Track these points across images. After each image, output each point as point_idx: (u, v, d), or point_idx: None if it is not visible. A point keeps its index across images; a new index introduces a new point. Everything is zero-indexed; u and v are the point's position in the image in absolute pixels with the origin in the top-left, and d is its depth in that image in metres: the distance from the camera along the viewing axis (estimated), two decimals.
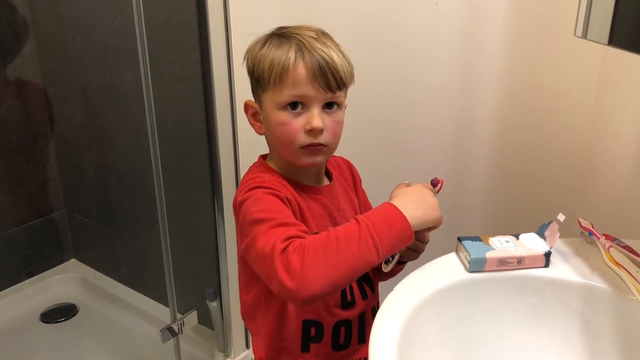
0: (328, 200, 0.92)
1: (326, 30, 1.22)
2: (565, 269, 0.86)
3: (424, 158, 1.20)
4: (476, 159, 1.16)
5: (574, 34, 0.84)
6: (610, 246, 0.87)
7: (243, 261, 0.88)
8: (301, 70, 0.81)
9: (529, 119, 1.08)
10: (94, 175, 1.95)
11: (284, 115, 0.83)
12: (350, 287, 0.91)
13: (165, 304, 1.67)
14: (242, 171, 1.49)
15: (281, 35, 0.85)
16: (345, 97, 0.86)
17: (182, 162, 1.61)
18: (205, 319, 1.68)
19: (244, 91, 1.41)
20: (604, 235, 0.89)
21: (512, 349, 0.84)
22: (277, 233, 0.75)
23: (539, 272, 0.85)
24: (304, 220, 0.86)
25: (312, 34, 0.84)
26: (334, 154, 0.91)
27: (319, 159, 0.86)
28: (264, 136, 0.91)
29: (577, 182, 1.04)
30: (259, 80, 0.84)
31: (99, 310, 1.97)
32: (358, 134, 1.26)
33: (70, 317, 1.96)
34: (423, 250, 0.92)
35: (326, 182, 0.95)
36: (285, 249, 0.73)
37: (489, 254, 0.84)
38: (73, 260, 2.15)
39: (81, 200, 2.05)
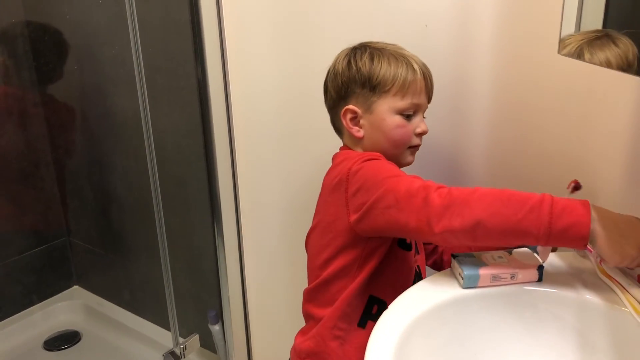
0: None
1: (317, 52, 1.26)
2: (559, 283, 0.86)
3: (416, 173, 1.21)
4: (469, 176, 1.17)
5: (558, 53, 0.86)
6: (602, 260, 0.87)
7: (332, 234, 0.95)
8: (422, 83, 0.96)
9: (519, 136, 1.10)
10: (95, 202, 1.97)
11: (401, 120, 0.96)
12: (416, 274, 1.00)
13: (168, 328, 1.67)
14: (241, 194, 1.51)
15: (384, 48, 0.98)
16: None
17: (181, 187, 1.63)
18: (207, 343, 1.69)
19: (241, 115, 1.44)
20: None
21: None
22: (422, 180, 0.85)
23: (533, 286, 0.86)
24: None
25: (405, 49, 0.99)
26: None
27: (414, 158, 1.01)
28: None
29: (569, 195, 1.05)
30: (377, 87, 0.95)
31: (102, 336, 1.98)
32: None
33: (74, 344, 1.96)
34: None
35: None
36: (443, 188, 0.81)
37: (483, 270, 0.85)
38: (76, 286, 2.16)
39: (83, 227, 2.07)
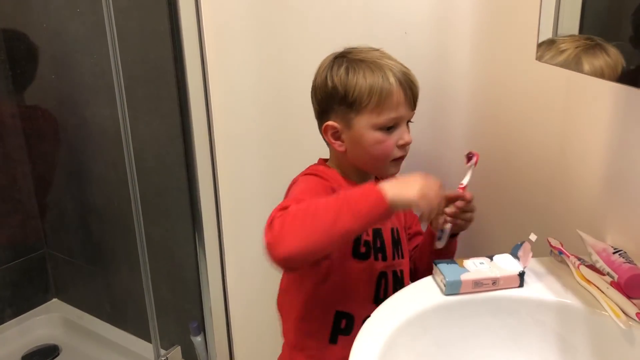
0: None
1: (297, 60, 1.26)
2: (539, 288, 0.87)
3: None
4: (448, 184, 1.18)
5: (536, 59, 0.87)
6: (580, 264, 0.88)
7: None
8: (400, 95, 0.93)
9: (498, 143, 1.11)
10: (74, 213, 1.95)
11: (380, 135, 0.94)
12: (386, 286, 0.98)
13: (149, 340, 1.65)
14: (223, 204, 1.50)
15: (362, 60, 0.94)
16: None
17: (161, 197, 1.61)
18: (189, 355, 1.67)
19: (221, 123, 1.43)
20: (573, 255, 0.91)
21: None
22: (280, 206, 0.85)
23: (514, 292, 0.86)
24: None
25: (387, 56, 0.96)
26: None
27: (400, 168, 0.99)
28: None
29: (547, 202, 1.06)
30: (354, 104, 0.93)
31: (81, 350, 1.94)
32: None
33: (53, 359, 1.92)
34: (471, 220, 0.99)
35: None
36: (276, 217, 0.82)
37: (464, 276, 0.85)
38: (55, 299, 2.12)
39: (62, 239, 2.04)
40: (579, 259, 0.90)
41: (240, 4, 1.31)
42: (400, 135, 0.95)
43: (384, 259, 1.01)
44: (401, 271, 1.03)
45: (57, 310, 2.08)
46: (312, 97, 1.02)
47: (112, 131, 1.60)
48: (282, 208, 0.83)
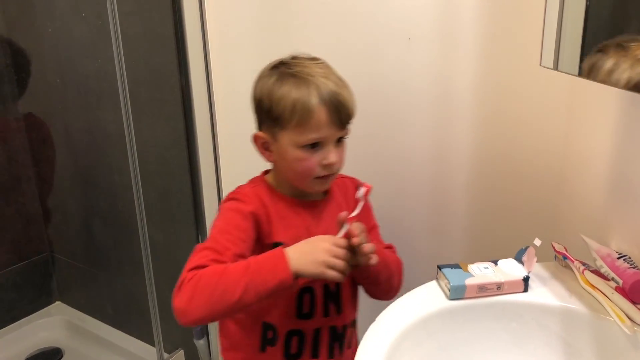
0: (310, 214, 0.98)
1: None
2: (544, 293, 0.87)
3: (401, 187, 1.22)
4: (453, 188, 1.18)
5: (540, 64, 0.87)
6: (585, 269, 0.88)
7: None
8: (322, 115, 0.88)
9: (503, 149, 1.11)
10: (77, 216, 1.95)
11: (303, 153, 0.90)
12: (311, 299, 0.96)
13: (152, 343, 1.65)
14: None
15: (294, 74, 0.90)
16: None
17: (165, 200, 1.61)
18: (192, 358, 1.67)
19: (225, 127, 1.44)
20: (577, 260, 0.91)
21: None
22: (195, 259, 0.86)
23: (518, 297, 0.86)
24: (274, 229, 0.94)
25: (323, 73, 0.91)
26: (345, 173, 1.01)
27: (328, 184, 0.96)
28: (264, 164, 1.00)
29: (551, 208, 1.07)
30: (278, 119, 0.90)
31: (84, 353, 1.94)
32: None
33: None
34: (369, 253, 0.89)
35: (322, 197, 1.00)
36: (185, 280, 0.83)
37: (469, 281, 0.86)
38: (58, 302, 2.12)
39: (65, 242, 2.04)
40: (584, 264, 0.90)
41: (244, 9, 1.31)
42: (325, 155, 0.91)
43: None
44: (336, 284, 0.99)
45: (60, 313, 2.08)
46: None
47: (116, 135, 1.61)
48: (193, 267, 0.84)
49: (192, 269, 0.84)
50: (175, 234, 1.64)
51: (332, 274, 0.83)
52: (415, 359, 0.80)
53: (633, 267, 0.86)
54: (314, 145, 0.90)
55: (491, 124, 1.11)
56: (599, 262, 0.89)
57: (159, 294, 1.60)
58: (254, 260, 0.84)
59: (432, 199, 1.20)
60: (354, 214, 0.87)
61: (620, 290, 0.83)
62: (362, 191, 0.88)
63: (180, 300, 0.83)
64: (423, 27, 1.11)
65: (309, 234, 0.90)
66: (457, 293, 0.85)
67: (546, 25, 0.85)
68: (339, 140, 0.93)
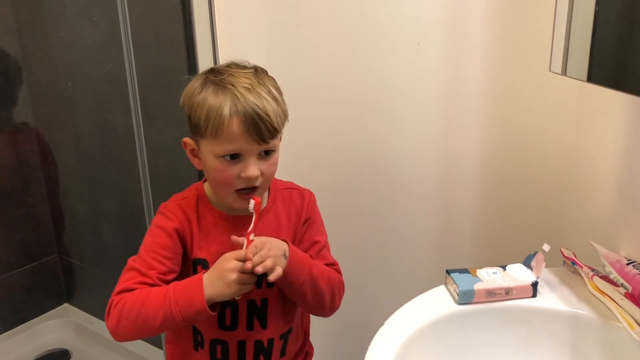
0: (241, 230, 0.91)
1: (310, 69, 1.27)
2: (553, 299, 0.87)
3: (409, 191, 1.22)
4: (462, 193, 1.18)
5: (549, 70, 0.87)
6: (594, 275, 0.88)
7: None
8: (235, 127, 0.84)
9: (510, 152, 1.11)
10: (86, 219, 1.96)
11: (221, 164, 0.87)
12: (233, 312, 0.96)
13: (160, 346, 1.66)
14: None
15: (217, 82, 0.86)
16: (281, 137, 0.91)
17: None
18: None
19: None
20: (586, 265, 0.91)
21: None
22: (123, 280, 0.90)
23: (527, 302, 0.87)
24: (196, 245, 0.94)
25: (247, 83, 0.86)
26: (299, 185, 1.02)
27: (247, 202, 0.88)
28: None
29: (559, 213, 1.07)
30: (197, 127, 0.87)
31: (92, 355, 1.95)
32: (344, 170, 1.28)
33: None
34: (267, 266, 0.86)
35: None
36: (113, 304, 0.88)
37: (477, 286, 0.86)
38: (66, 304, 2.13)
39: (74, 244, 2.05)
40: (593, 270, 0.90)
41: (254, 13, 1.32)
42: (243, 167, 0.87)
43: (257, 286, 0.94)
44: (262, 300, 0.96)
45: (68, 315, 2.10)
46: None
47: (125, 138, 1.62)
48: (121, 290, 0.88)
49: (119, 292, 0.88)
50: None
51: (247, 289, 0.86)
52: None
53: None
54: (234, 157, 0.86)
55: (499, 129, 1.12)
56: (608, 268, 0.89)
57: None
58: (172, 289, 0.86)
59: (440, 203, 1.20)
60: (249, 229, 0.87)
61: (629, 296, 0.83)
62: (251, 204, 0.87)
63: (110, 323, 0.88)
64: (432, 32, 1.12)
65: (223, 248, 0.90)
66: (465, 298, 0.86)
67: (556, 30, 0.86)
68: (265, 154, 0.88)
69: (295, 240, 0.99)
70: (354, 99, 1.23)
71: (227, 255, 0.86)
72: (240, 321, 0.96)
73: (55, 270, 2.10)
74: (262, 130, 0.85)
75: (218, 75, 0.88)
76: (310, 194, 1.02)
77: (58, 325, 2.07)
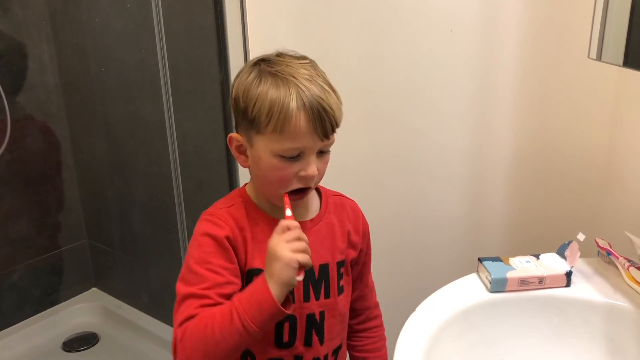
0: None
1: (341, 62, 1.26)
2: (587, 289, 0.86)
3: (442, 180, 1.21)
4: (494, 181, 1.17)
5: (588, 57, 0.86)
6: (630, 265, 0.87)
7: None
8: (303, 122, 0.78)
9: (547, 140, 1.10)
10: (115, 205, 1.99)
11: (279, 162, 0.80)
12: (292, 329, 0.88)
13: None
14: None
15: (275, 74, 0.80)
16: None
17: (202, 190, 1.64)
18: None
19: None
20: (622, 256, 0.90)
21: None
22: (180, 311, 0.78)
23: (561, 291, 0.86)
24: (250, 255, 0.84)
25: (307, 75, 0.80)
26: (346, 195, 0.95)
27: (300, 201, 0.85)
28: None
29: (596, 201, 1.05)
30: (254, 121, 0.80)
31: (120, 338, 1.98)
32: (377, 161, 1.28)
33: (92, 346, 1.97)
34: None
35: (310, 216, 0.90)
36: (178, 338, 0.77)
37: (510, 274, 0.85)
38: (94, 289, 2.17)
39: (103, 229, 2.09)
40: (629, 261, 0.89)
41: (284, 1, 1.32)
42: (303, 166, 0.80)
43: (316, 298, 0.88)
44: (321, 313, 0.89)
45: (96, 299, 2.13)
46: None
47: (156, 125, 1.63)
48: (183, 321, 0.77)
49: (180, 324, 0.77)
50: None
51: (305, 258, 0.75)
52: (456, 350, 0.80)
53: None
54: (292, 156, 0.80)
55: (534, 117, 1.10)
56: None
57: None
58: (237, 300, 0.76)
59: (472, 192, 1.19)
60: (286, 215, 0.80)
61: None
62: (288, 212, 0.80)
63: (180, 358, 0.78)
64: (465, 19, 1.11)
65: None
66: (498, 286, 0.85)
67: (595, 16, 0.84)
68: (321, 152, 0.82)
69: (350, 249, 0.92)
70: (385, 89, 1.22)
71: (271, 240, 0.78)
72: (299, 337, 0.88)
73: (85, 255, 2.14)
74: (327, 126, 0.79)
75: (274, 66, 0.81)
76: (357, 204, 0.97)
77: (87, 309, 2.10)
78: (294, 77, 0.79)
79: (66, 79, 1.94)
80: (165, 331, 1.90)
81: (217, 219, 0.84)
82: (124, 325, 2.00)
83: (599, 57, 0.84)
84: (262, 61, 0.83)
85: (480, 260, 0.90)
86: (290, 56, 0.84)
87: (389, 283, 1.25)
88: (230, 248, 0.82)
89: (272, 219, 0.85)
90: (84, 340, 1.99)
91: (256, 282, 0.77)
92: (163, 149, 1.56)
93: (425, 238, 1.27)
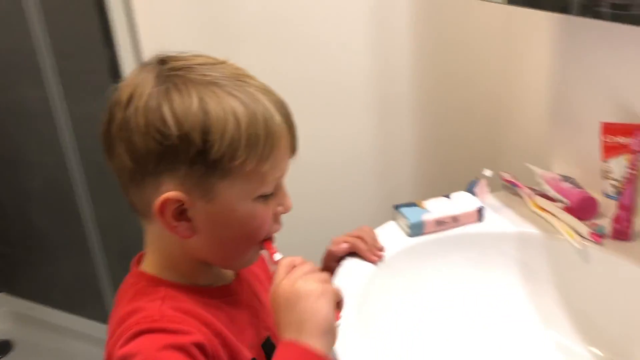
0: (247, 298, 0.69)
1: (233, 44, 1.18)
2: (498, 221, 0.91)
3: (346, 130, 1.21)
4: (400, 129, 1.19)
5: None
6: (534, 194, 0.92)
7: None
8: (286, 140, 0.60)
9: (442, 83, 1.13)
10: (11, 202, 1.85)
11: (260, 205, 0.60)
12: None
13: (106, 322, 1.62)
14: None
15: (215, 83, 0.57)
16: None
17: (107, 175, 1.55)
18: None
19: None
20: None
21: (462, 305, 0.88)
22: None
23: (475, 227, 0.90)
24: (234, 344, 0.62)
25: (251, 75, 0.60)
26: None
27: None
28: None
29: (497, 138, 1.10)
30: (220, 162, 0.56)
31: (37, 342, 1.88)
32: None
33: (6, 355, 1.86)
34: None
35: (230, 274, 0.70)
36: None
37: (426, 217, 0.88)
38: (1, 294, 2.04)
39: (1, 230, 1.94)
40: (532, 190, 0.94)
41: None
42: (280, 200, 0.63)
43: None
44: None
45: (5, 304, 2.00)
46: (112, 143, 0.63)
47: (43, 112, 1.52)
48: None
49: None
50: (122, 208, 1.59)
51: (338, 290, 0.59)
52: (386, 299, 0.82)
53: (577, 187, 0.91)
54: (272, 189, 0.61)
55: (429, 59, 1.12)
56: (545, 186, 0.94)
57: (111, 271, 1.56)
58: None
59: (380, 143, 1.21)
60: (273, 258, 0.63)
61: (567, 209, 0.87)
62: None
63: None
64: None
65: (261, 323, 0.68)
66: (416, 230, 0.88)
67: None
68: None
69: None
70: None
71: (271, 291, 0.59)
72: None
73: None
74: (296, 140, 0.62)
75: (207, 73, 0.57)
76: None
77: None
78: (244, 82, 0.58)
79: None
80: (84, 325, 1.82)
81: (174, 324, 0.56)
82: (39, 326, 1.90)
83: None
84: (175, 76, 0.57)
85: (396, 207, 0.92)
86: (203, 56, 0.61)
87: (307, 242, 1.24)
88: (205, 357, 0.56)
89: (211, 289, 0.64)
90: None
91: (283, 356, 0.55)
92: (54, 136, 1.46)
93: (340, 193, 1.27)
